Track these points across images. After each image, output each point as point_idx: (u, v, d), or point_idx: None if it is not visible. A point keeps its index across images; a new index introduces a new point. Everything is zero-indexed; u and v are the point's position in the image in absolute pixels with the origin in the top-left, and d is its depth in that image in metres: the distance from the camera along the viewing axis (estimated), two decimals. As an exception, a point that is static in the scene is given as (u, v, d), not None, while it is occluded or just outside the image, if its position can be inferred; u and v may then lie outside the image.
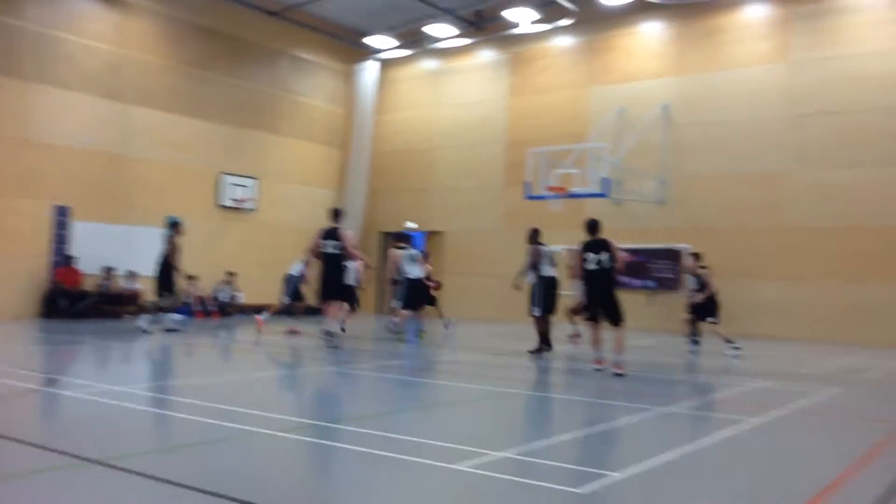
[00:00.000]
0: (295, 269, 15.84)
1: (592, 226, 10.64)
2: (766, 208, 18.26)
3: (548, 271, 12.14)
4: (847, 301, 17.06)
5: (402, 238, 15.48)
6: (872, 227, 16.96)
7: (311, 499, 4.17)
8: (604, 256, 10.31)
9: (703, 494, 4.52)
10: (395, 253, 15.23)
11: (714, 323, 13.41)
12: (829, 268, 17.33)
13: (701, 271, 13.61)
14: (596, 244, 10.42)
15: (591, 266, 10.28)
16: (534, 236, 12.42)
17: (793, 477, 5.18)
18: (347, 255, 12.21)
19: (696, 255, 14.23)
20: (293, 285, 15.82)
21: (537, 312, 12.08)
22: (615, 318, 10.21)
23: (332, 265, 12.11)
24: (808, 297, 17.62)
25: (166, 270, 14.04)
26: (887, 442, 6.07)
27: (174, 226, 14.41)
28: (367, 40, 24.10)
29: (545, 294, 12.03)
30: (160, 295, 14.27)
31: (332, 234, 12.12)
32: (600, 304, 10.30)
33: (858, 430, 6.85)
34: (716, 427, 6.57)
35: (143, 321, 14.10)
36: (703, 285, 13.40)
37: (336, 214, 12.48)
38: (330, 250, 12.03)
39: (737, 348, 12.96)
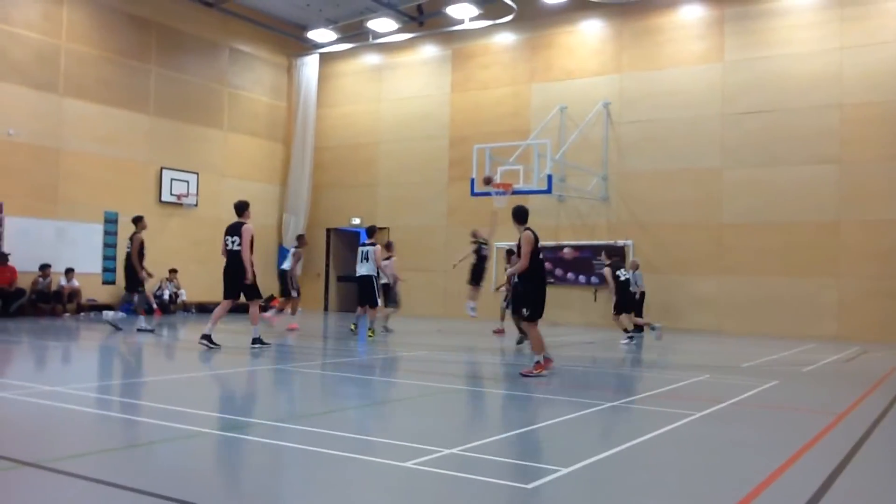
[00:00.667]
0: (287, 263, 15.74)
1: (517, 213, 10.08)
2: (703, 204, 18.70)
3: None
4: (781, 295, 17.59)
5: (370, 234, 15.07)
6: (804, 223, 17.53)
7: (256, 499, 4.13)
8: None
9: (647, 487, 4.62)
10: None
11: (630, 313, 14.26)
12: (764, 263, 17.84)
13: (605, 269, 14.27)
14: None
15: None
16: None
17: (736, 467, 5.33)
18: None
19: (608, 253, 14.98)
20: (289, 279, 15.72)
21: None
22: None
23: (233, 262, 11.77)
24: (744, 291, 18.12)
25: (131, 268, 13.87)
26: (826, 432, 6.28)
27: (136, 221, 14.17)
28: (309, 34, 23.87)
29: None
30: (131, 293, 14.17)
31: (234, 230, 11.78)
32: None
33: (798, 421, 7.07)
34: (659, 420, 6.70)
35: (141, 322, 14.19)
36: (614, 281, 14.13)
37: (238, 208, 12.03)
38: (232, 247, 11.72)
39: (630, 338, 14.19)
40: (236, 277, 11.61)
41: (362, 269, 14.32)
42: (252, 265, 11.65)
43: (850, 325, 16.99)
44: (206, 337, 11.50)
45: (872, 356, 13.20)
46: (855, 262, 17.09)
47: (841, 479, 4.84)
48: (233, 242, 11.56)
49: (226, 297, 11.87)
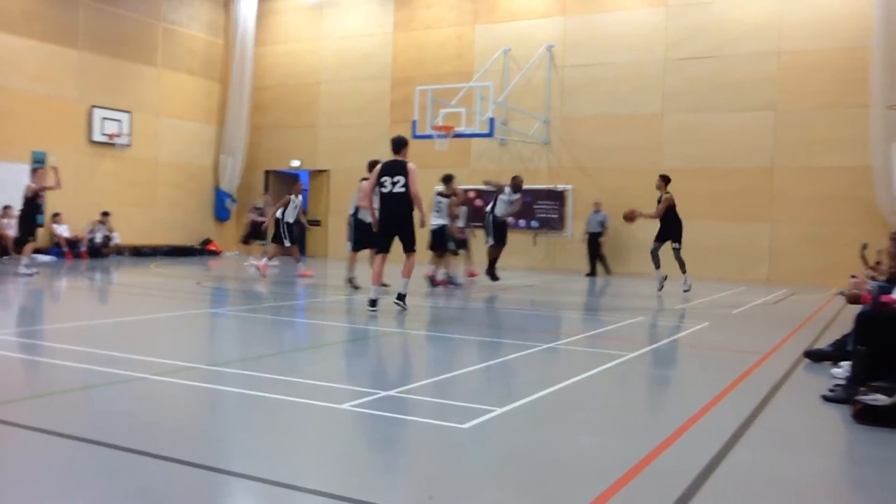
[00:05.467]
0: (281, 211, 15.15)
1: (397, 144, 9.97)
2: (645, 150, 18.87)
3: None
4: (719, 239, 17.98)
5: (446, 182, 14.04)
6: (741, 169, 17.87)
7: (194, 443, 4.11)
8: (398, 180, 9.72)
9: (582, 424, 4.73)
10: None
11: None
12: (703, 207, 18.14)
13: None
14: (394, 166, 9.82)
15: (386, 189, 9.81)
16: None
17: (667, 405, 5.50)
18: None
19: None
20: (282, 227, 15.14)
21: (491, 242, 14.28)
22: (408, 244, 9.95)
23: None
24: (685, 235, 18.45)
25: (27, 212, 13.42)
26: (752, 370, 6.51)
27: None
28: (247, -32, 23.07)
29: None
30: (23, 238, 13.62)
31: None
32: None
33: (727, 360, 7.31)
34: (594, 361, 6.85)
35: (22, 266, 13.36)
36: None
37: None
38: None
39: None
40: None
41: (436, 220, 13.36)
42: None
43: (781, 269, 17.51)
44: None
45: (800, 298, 13.67)
46: (787, 208, 17.53)
47: (765, 412, 5.03)
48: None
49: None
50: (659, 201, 13.70)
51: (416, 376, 6.27)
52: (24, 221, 13.57)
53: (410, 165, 9.72)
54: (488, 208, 14.71)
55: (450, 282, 13.62)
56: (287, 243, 15.25)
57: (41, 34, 18.91)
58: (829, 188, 17.05)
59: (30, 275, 13.17)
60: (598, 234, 18.11)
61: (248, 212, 19.89)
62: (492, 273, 14.20)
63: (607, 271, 18.24)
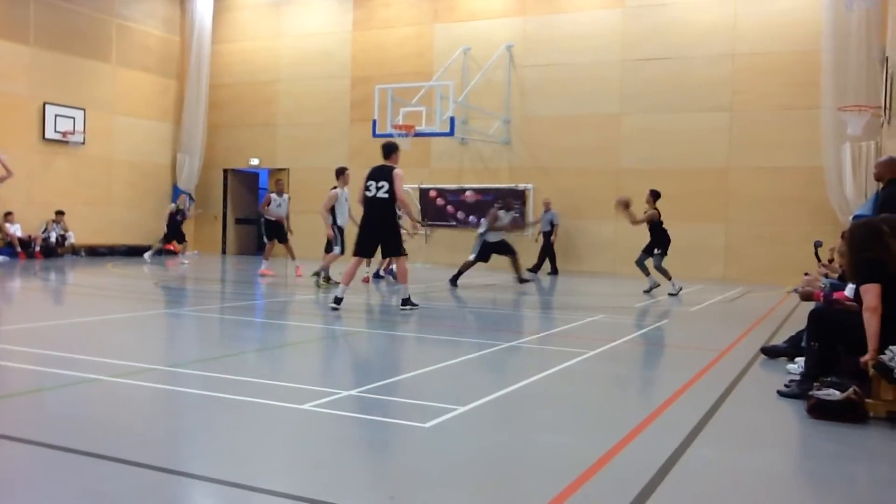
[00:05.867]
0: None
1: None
2: (602, 150, 19.05)
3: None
4: (676, 238, 18.01)
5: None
6: (696, 170, 18.13)
7: (150, 445, 4.03)
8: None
9: (543, 422, 4.76)
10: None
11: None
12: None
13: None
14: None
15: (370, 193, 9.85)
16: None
17: (626, 401, 5.55)
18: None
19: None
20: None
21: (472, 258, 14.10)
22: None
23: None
24: (640, 235, 18.66)
25: None
26: (710, 366, 6.60)
27: None
28: (204, -36, 22.77)
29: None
30: None
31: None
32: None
33: (685, 358, 7.41)
34: (554, 359, 6.89)
35: None
36: None
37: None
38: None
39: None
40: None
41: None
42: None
43: (735, 268, 17.82)
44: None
45: (755, 296, 13.91)
46: (742, 208, 17.84)
47: (723, 408, 5.11)
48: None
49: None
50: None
51: (378, 375, 6.25)
52: None
53: (397, 171, 9.74)
54: (480, 230, 14.38)
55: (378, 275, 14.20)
56: (265, 240, 15.30)
57: (-9, 29, 18.46)
58: (783, 188, 17.39)
59: None
60: (549, 233, 18.28)
61: (169, 213, 19.11)
62: (454, 280, 14.06)
63: (554, 270, 18.32)
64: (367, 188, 9.79)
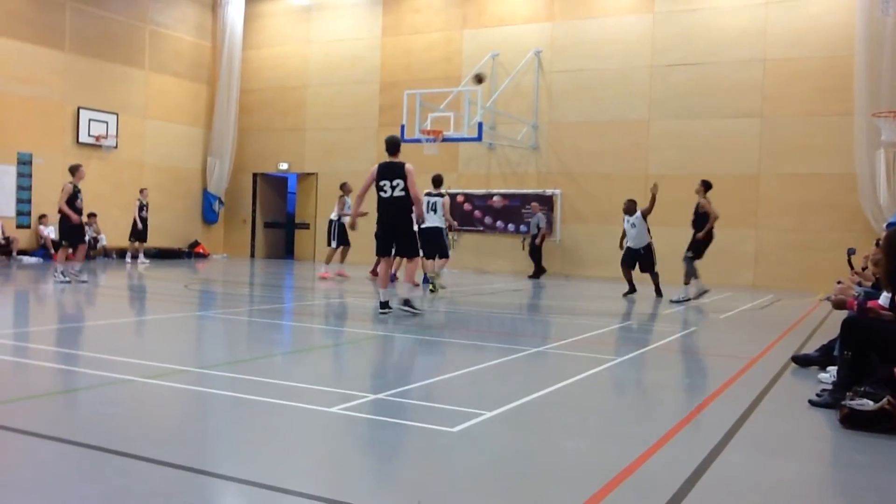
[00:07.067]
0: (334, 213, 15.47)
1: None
2: (630, 155, 18.95)
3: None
4: (702, 244, 18.02)
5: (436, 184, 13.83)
6: (726, 175, 17.94)
7: (182, 445, 4.08)
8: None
9: (570, 428, 4.74)
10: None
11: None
12: (687, 214, 18.14)
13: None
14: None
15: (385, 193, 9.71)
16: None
17: (654, 409, 5.51)
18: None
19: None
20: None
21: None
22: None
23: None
24: (668, 241, 18.53)
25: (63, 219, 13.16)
26: (739, 375, 6.54)
27: (72, 171, 13.47)
28: (235, -29, 23.01)
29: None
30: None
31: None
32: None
33: (714, 365, 7.34)
34: (582, 365, 6.86)
35: (58, 273, 13.07)
36: None
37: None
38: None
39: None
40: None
41: (430, 221, 13.11)
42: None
43: (765, 275, 17.62)
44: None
45: (785, 304, 13.75)
46: (772, 215, 17.65)
47: (753, 417, 5.06)
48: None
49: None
50: (697, 208, 13.54)
51: (405, 379, 6.26)
52: None
53: (408, 167, 9.60)
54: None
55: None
56: (333, 244, 15.55)
57: (27, 36, 18.78)
58: (814, 194, 17.17)
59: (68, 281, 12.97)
60: (535, 236, 18.46)
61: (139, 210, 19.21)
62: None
63: (537, 273, 18.37)
64: (381, 189, 9.62)
